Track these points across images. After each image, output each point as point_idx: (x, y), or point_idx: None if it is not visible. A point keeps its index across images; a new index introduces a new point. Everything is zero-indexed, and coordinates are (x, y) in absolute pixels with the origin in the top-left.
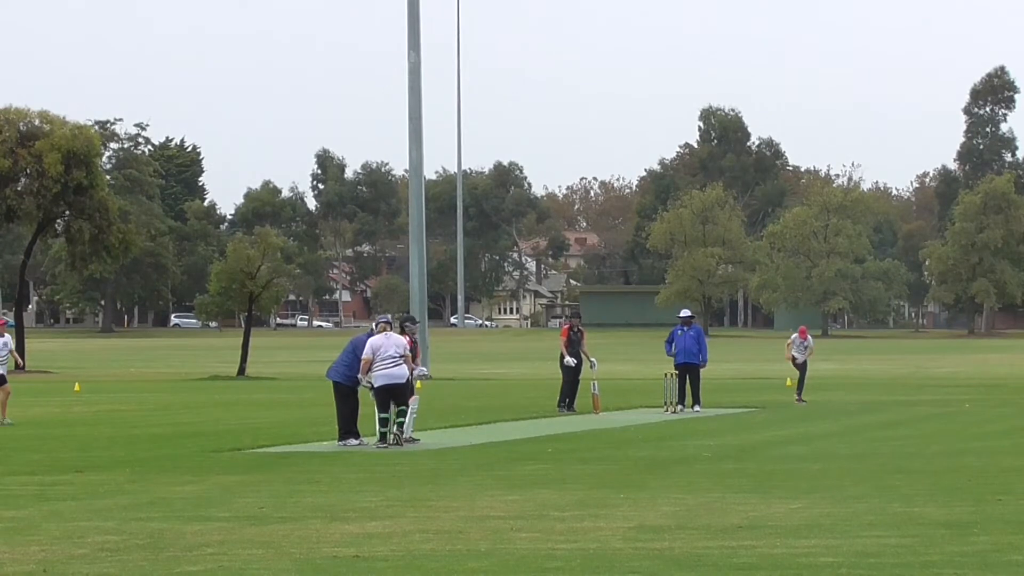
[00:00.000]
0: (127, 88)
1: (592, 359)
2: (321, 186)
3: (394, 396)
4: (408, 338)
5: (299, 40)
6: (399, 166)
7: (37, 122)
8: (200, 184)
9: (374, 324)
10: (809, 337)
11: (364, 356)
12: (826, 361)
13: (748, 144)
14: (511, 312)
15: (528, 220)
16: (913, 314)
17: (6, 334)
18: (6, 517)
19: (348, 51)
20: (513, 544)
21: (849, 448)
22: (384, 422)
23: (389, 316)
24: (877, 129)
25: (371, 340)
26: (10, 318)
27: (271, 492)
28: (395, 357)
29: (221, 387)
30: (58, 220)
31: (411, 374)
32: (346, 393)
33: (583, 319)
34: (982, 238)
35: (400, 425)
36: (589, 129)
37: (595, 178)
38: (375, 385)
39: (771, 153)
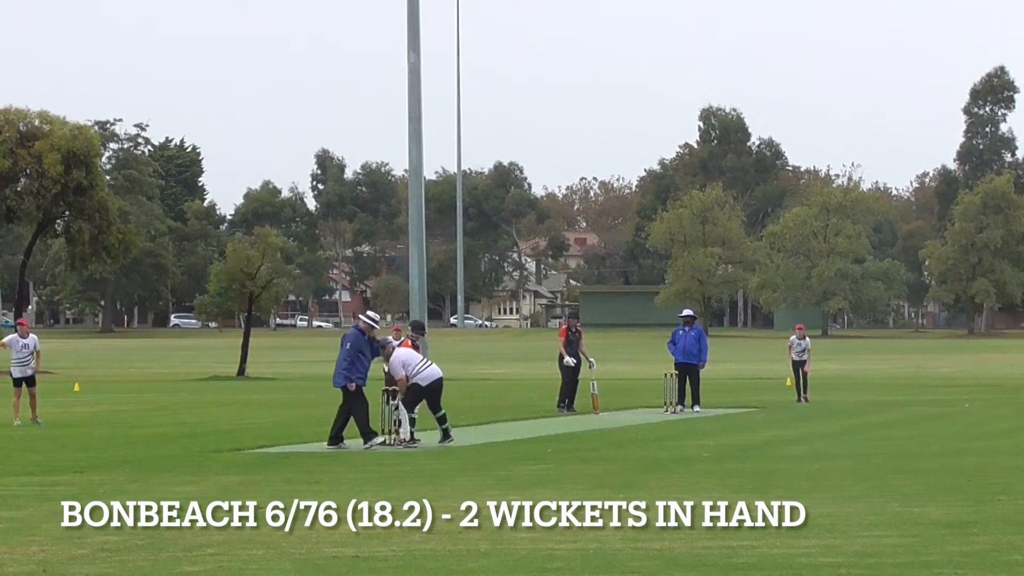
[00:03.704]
0: (127, 88)
1: (591, 359)
2: (321, 186)
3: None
4: (408, 342)
5: (299, 40)
6: (399, 166)
7: (37, 122)
8: (200, 184)
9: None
10: (807, 338)
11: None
12: (826, 361)
13: (748, 144)
14: (511, 312)
15: (528, 220)
16: (913, 314)
17: (31, 336)
18: (6, 517)
19: (348, 51)
20: (513, 544)
21: (849, 448)
22: (414, 422)
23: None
24: (877, 129)
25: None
26: (10, 318)
27: (271, 492)
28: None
29: (221, 387)
30: (58, 220)
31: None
32: (357, 395)
33: (581, 319)
34: (982, 238)
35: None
36: (589, 129)
37: (595, 178)
38: (422, 385)
39: (771, 153)
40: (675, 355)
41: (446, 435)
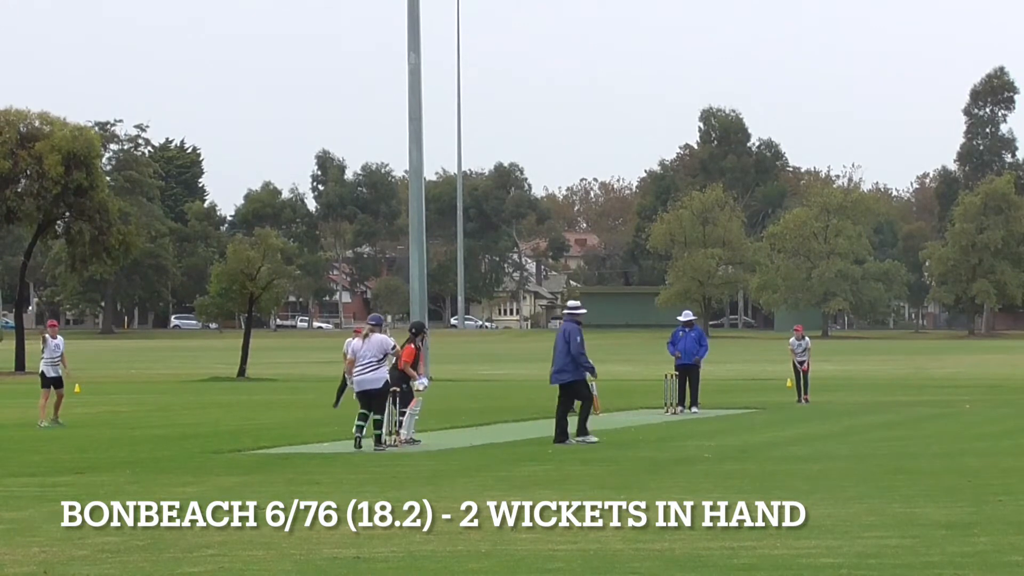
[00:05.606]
0: (127, 89)
1: None
2: (321, 187)
3: (370, 400)
4: (411, 344)
5: (299, 40)
6: (399, 167)
7: (37, 123)
8: (200, 185)
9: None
10: (806, 338)
11: (348, 358)
12: (827, 362)
13: (748, 145)
14: (511, 313)
15: (528, 221)
16: (913, 315)
17: (59, 336)
18: (6, 518)
19: (348, 51)
20: (513, 545)
21: (849, 449)
22: (360, 428)
23: (379, 317)
24: (877, 129)
25: (351, 343)
26: (11, 319)
27: (271, 493)
28: (372, 361)
29: (221, 388)
30: (58, 221)
31: (409, 381)
32: (566, 392)
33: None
34: (982, 239)
35: (379, 426)
36: (589, 129)
37: (595, 179)
38: (355, 389)
39: (771, 154)
40: (678, 355)
41: (357, 443)
